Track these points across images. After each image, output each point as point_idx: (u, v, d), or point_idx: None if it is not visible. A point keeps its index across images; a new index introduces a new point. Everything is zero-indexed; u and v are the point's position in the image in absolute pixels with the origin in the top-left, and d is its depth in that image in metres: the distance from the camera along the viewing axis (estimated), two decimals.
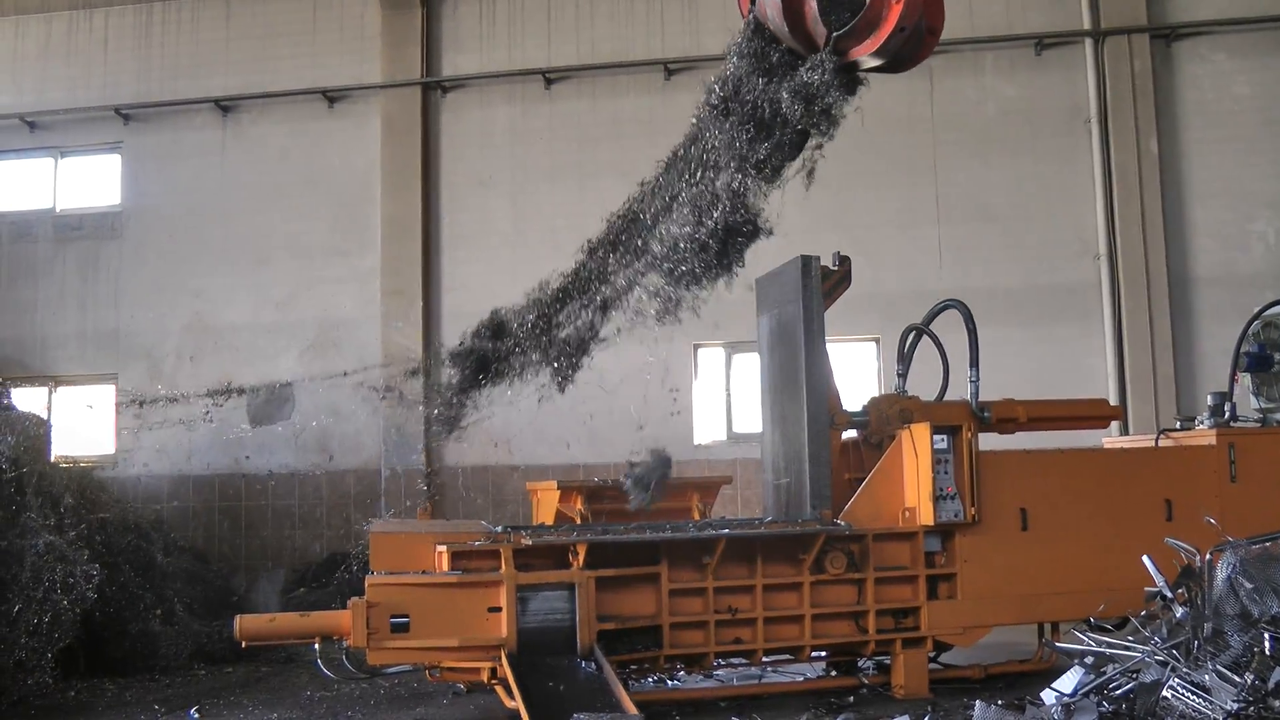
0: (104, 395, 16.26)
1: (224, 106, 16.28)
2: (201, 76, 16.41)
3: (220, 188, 16.26)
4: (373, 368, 15.52)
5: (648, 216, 8.85)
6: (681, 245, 8.38)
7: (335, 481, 15.53)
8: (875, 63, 8.41)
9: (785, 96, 8.17)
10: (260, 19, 16.46)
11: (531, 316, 9.21)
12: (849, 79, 8.48)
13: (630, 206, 9.06)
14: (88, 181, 16.80)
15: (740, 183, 8.26)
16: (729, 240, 8.33)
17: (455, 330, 15.48)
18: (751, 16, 8.51)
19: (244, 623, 8.25)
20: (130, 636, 10.98)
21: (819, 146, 8.57)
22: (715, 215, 8.27)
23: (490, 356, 9.18)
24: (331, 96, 16.14)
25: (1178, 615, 6.08)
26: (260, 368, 15.84)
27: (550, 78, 15.77)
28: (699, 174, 8.55)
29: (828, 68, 8.12)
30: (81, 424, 16.21)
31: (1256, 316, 10.64)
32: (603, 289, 8.99)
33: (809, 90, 8.13)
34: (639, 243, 8.88)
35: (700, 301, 8.67)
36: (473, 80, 16.06)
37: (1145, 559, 6.61)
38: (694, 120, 8.76)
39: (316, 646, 8.55)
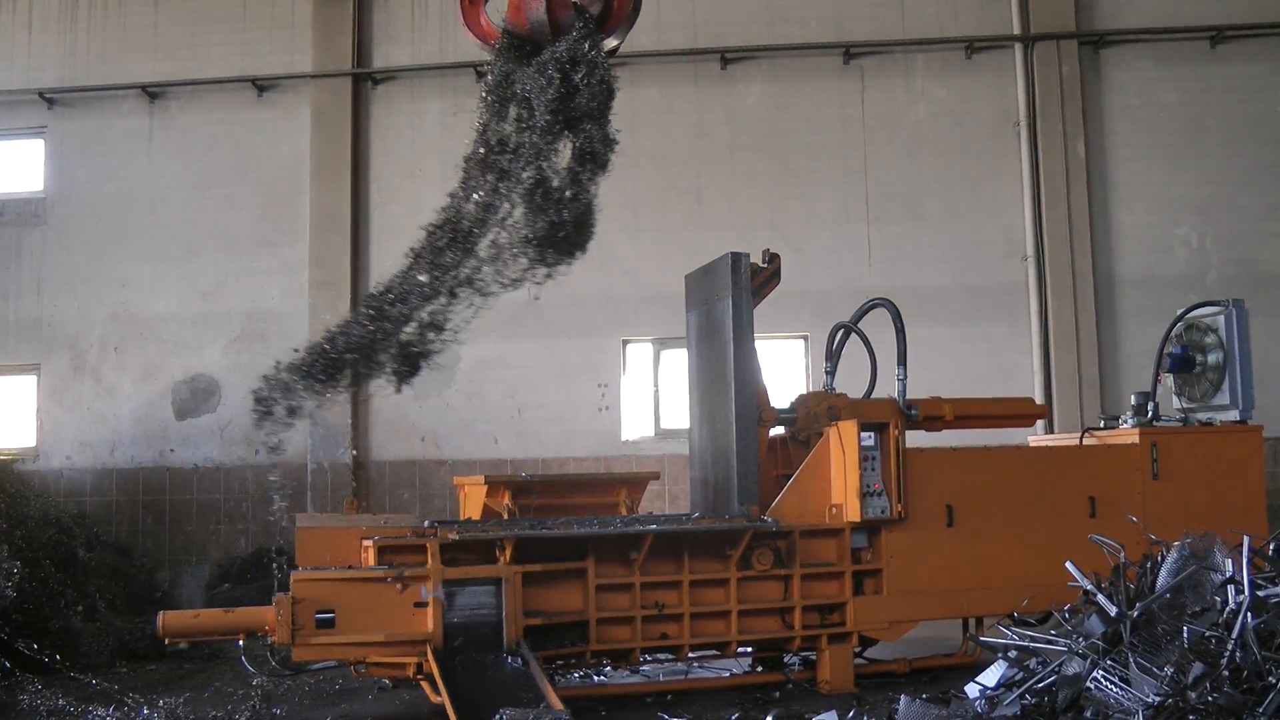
0: (26, 386, 15.96)
1: (151, 93, 16.02)
2: (128, 62, 16.11)
3: (147, 175, 15.99)
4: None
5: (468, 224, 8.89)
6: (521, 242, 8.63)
7: (261, 476, 15.35)
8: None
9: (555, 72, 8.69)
10: (189, 5, 16.18)
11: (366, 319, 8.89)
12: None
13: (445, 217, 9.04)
14: (10, 166, 16.44)
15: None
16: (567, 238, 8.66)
17: None
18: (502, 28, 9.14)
19: (167, 619, 8.15)
20: (51, 634, 10.75)
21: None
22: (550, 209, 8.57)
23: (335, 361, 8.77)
24: (261, 85, 15.94)
25: (1111, 612, 6.15)
26: (186, 359, 15.65)
27: (481, 71, 15.62)
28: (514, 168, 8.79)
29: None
30: (1, 415, 15.93)
31: (1179, 319, 10.82)
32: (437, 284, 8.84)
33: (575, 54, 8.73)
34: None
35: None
36: (404, 72, 15.94)
37: (1069, 565, 6.70)
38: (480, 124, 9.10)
39: (241, 643, 8.47)
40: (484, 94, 9.12)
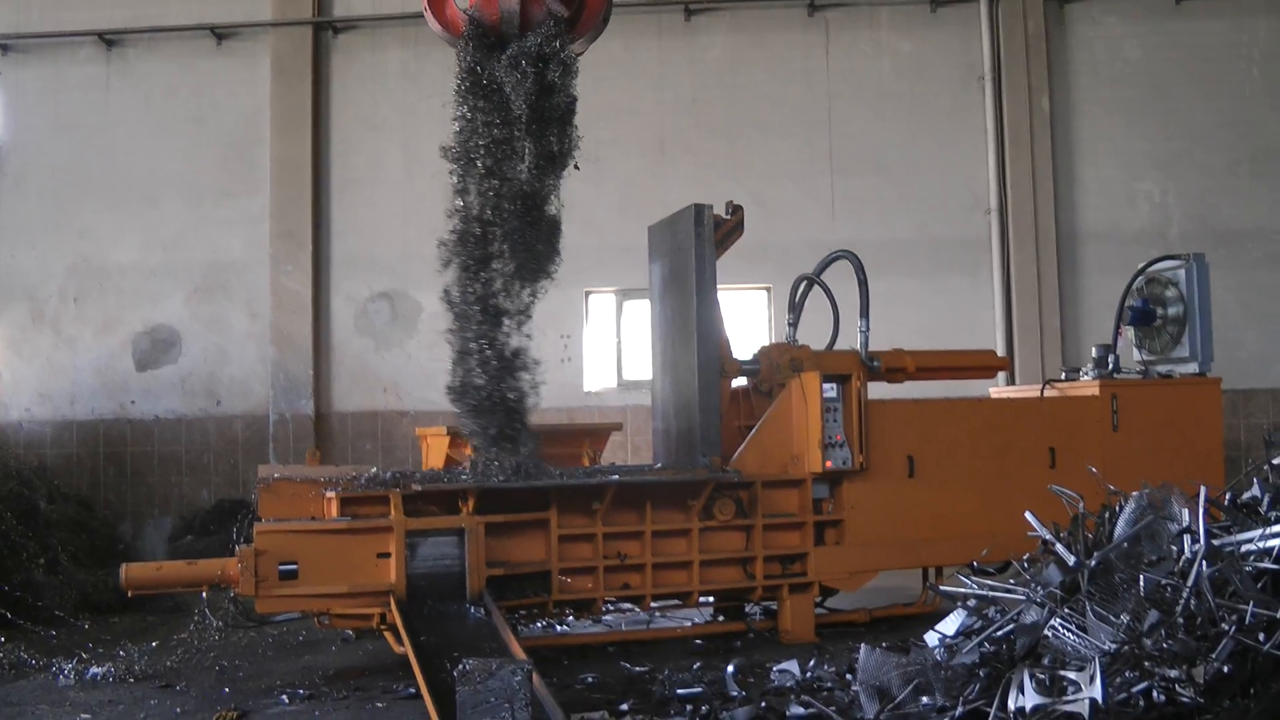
0: None
1: (108, 40, 15.77)
2: (84, 8, 15.77)
3: (105, 124, 15.75)
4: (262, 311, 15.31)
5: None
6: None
7: (223, 427, 15.29)
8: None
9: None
10: None
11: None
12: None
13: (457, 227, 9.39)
14: None
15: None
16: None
17: (345, 275, 15.38)
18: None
19: (130, 571, 8.08)
20: (12, 586, 10.70)
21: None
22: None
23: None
24: (220, 33, 15.72)
25: (1069, 562, 6.20)
26: (146, 310, 15.51)
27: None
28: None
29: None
30: None
31: (1140, 272, 10.91)
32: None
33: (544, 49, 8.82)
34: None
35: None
36: (365, 22, 15.75)
37: (1028, 515, 6.74)
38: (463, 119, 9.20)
39: (204, 595, 8.44)
40: (458, 83, 9.13)
